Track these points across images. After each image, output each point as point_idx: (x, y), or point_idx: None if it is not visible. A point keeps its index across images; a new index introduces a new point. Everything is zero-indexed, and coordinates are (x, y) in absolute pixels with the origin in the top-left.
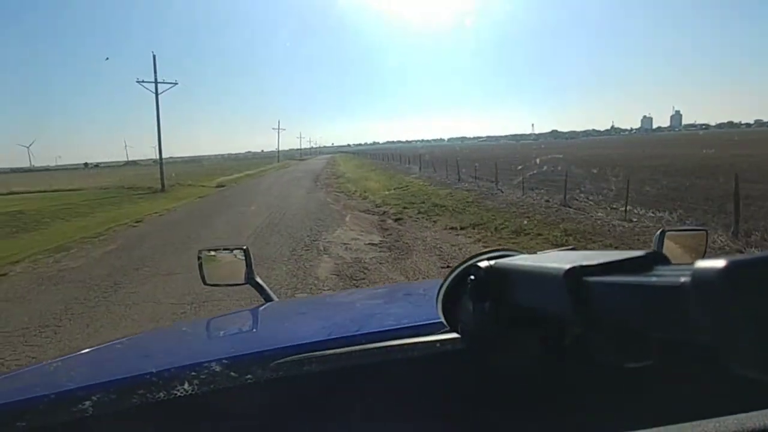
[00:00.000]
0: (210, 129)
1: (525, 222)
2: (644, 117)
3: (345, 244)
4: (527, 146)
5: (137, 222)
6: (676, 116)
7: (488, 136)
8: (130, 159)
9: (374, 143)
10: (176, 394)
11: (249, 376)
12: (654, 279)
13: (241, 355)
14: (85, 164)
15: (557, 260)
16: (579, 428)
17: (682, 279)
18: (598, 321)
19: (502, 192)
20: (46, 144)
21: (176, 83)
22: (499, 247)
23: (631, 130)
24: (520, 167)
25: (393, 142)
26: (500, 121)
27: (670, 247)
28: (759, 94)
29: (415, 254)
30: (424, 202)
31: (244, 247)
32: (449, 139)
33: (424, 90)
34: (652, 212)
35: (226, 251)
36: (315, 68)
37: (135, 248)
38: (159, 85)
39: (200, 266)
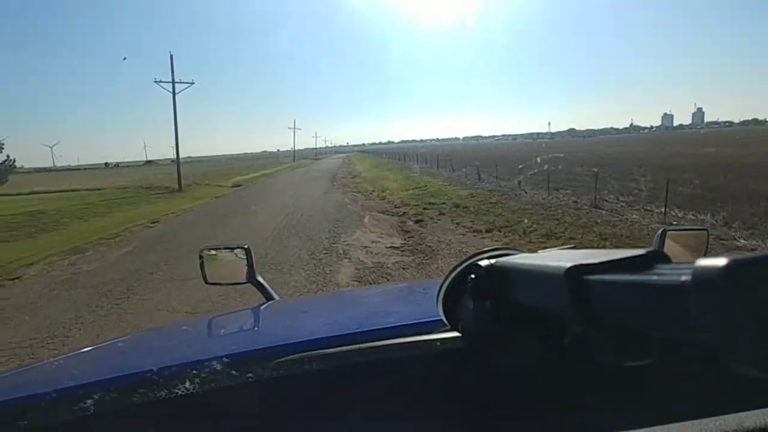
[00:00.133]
0: (227, 129)
1: (554, 225)
2: (665, 114)
3: (365, 247)
4: (543, 145)
5: (153, 222)
6: (698, 113)
7: (504, 135)
8: (149, 159)
9: (389, 142)
10: (177, 392)
11: (250, 374)
12: (655, 278)
13: (242, 354)
14: (106, 164)
15: (558, 259)
16: (579, 428)
17: (683, 278)
18: (598, 320)
19: (526, 192)
20: (67, 145)
21: (193, 83)
22: (500, 246)
23: (651, 127)
24: (541, 167)
25: (407, 141)
26: (516, 120)
27: (671, 247)
28: None
29: (440, 258)
30: (444, 203)
31: (246, 246)
32: (464, 138)
33: (439, 89)
34: (692, 214)
35: (228, 250)
36: (331, 68)
37: (150, 251)
38: (176, 85)
39: (201, 265)
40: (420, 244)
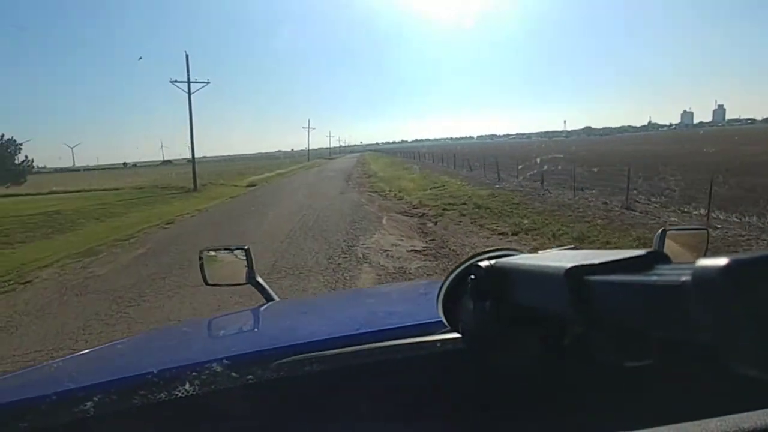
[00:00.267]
0: (241, 129)
1: (586, 227)
2: (684, 112)
3: (385, 250)
4: (559, 143)
5: (168, 224)
6: (719, 111)
7: (518, 134)
8: (166, 159)
9: (402, 141)
10: (177, 394)
11: (250, 376)
12: (655, 278)
13: (242, 355)
14: (124, 164)
15: (558, 259)
16: (579, 428)
17: (683, 278)
18: (599, 320)
19: (550, 192)
20: (87, 145)
21: (208, 82)
22: (500, 247)
23: (671, 125)
24: (555, 166)
25: (421, 140)
26: (531, 118)
27: (671, 247)
28: None
29: None
30: (465, 204)
31: (246, 247)
32: (478, 137)
33: (453, 87)
34: (736, 217)
35: (227, 251)
36: (345, 67)
37: (164, 253)
38: (191, 84)
39: (201, 266)
40: (443, 247)
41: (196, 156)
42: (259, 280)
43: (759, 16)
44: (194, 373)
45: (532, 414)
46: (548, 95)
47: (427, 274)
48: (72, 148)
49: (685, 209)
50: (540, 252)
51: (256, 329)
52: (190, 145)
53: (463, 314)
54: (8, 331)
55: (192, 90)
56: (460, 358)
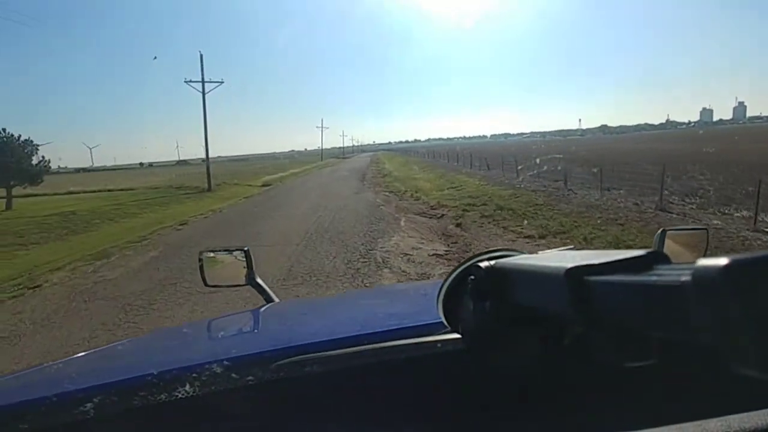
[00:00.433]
0: (255, 128)
1: (619, 231)
2: (703, 109)
3: (406, 254)
4: (574, 142)
5: (182, 225)
6: (740, 108)
7: (532, 132)
8: (182, 158)
9: (415, 141)
10: (177, 395)
11: (250, 377)
12: (655, 278)
13: (242, 357)
14: (141, 164)
15: (558, 260)
16: (579, 428)
17: (683, 278)
18: (599, 320)
19: (575, 192)
20: (105, 146)
21: (222, 82)
22: (500, 247)
23: (689, 123)
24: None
25: (434, 139)
26: (545, 117)
27: (670, 247)
28: None
29: None
30: (486, 204)
31: (245, 249)
32: (492, 136)
33: (466, 86)
34: None
35: (227, 253)
36: (357, 66)
37: (175, 256)
38: (206, 84)
39: (201, 268)
40: (466, 251)
41: (210, 156)
42: (259, 281)
43: None
44: (194, 375)
45: (532, 414)
46: (563, 93)
47: None
48: (91, 149)
49: (725, 211)
50: (540, 252)
51: (256, 330)
52: (204, 145)
53: (463, 315)
54: (11, 341)
55: (206, 90)
56: (460, 358)
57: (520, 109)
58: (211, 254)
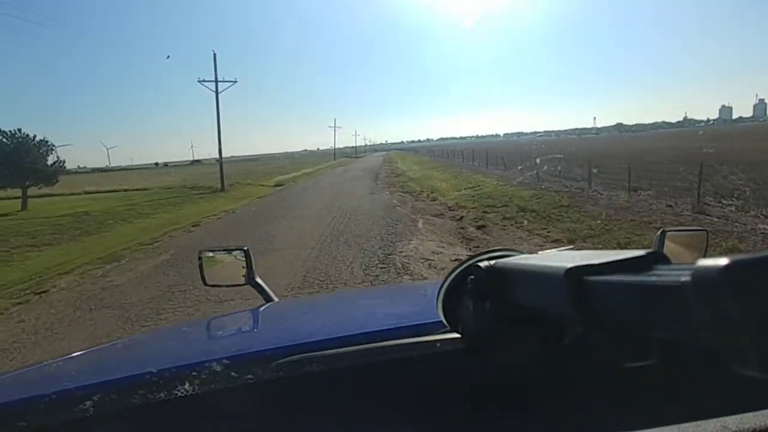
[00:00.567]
0: (267, 128)
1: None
2: (722, 107)
3: (426, 259)
4: (589, 140)
5: (194, 226)
6: (760, 105)
7: (546, 131)
8: (196, 158)
9: (428, 140)
10: (177, 394)
11: (250, 376)
12: (655, 278)
13: (241, 355)
14: (156, 164)
15: (558, 260)
16: (579, 428)
17: (683, 278)
18: (598, 320)
19: (600, 193)
20: (122, 146)
21: (235, 81)
22: (500, 247)
23: (708, 121)
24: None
25: (447, 138)
26: (559, 115)
27: (670, 248)
28: None
29: None
30: (506, 205)
31: (245, 248)
32: (505, 135)
33: (479, 85)
34: None
35: (226, 252)
36: (370, 66)
37: (186, 261)
38: (219, 84)
39: (200, 267)
40: None
41: (223, 155)
42: (258, 280)
43: None
44: (194, 373)
45: (532, 414)
46: (577, 91)
47: None
48: (108, 149)
49: None
50: (540, 252)
51: (255, 329)
52: (217, 145)
53: (463, 314)
54: (9, 354)
55: (219, 89)
56: (460, 358)
57: (533, 107)
58: (211, 254)
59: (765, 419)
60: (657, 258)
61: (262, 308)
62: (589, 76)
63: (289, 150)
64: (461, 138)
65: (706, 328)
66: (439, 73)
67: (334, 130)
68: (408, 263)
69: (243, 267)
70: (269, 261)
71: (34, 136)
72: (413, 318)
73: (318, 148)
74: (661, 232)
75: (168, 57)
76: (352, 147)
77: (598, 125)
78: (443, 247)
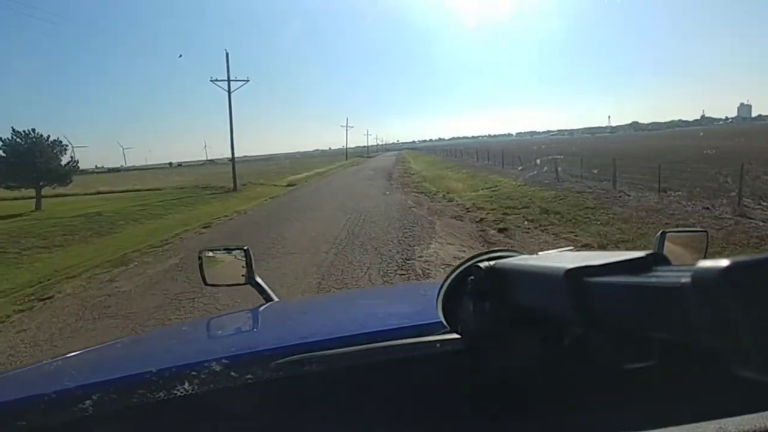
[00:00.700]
0: (279, 128)
1: None
2: (741, 104)
3: (448, 265)
4: (604, 139)
5: (205, 227)
6: None
7: (559, 130)
8: (209, 158)
9: (440, 139)
10: (176, 393)
11: (249, 375)
12: (654, 279)
13: (241, 355)
14: (170, 164)
15: (558, 260)
16: (579, 429)
17: (683, 279)
18: (598, 321)
19: (627, 194)
20: (137, 146)
21: (248, 80)
22: (499, 248)
23: (727, 119)
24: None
25: (459, 137)
26: (573, 114)
27: (670, 249)
28: None
29: None
30: (527, 207)
31: (245, 248)
32: (517, 134)
33: (491, 84)
34: None
35: (226, 252)
36: (381, 65)
37: (196, 265)
38: (231, 83)
39: (200, 267)
40: None
41: (236, 155)
42: (258, 280)
43: None
44: (193, 373)
45: (532, 414)
46: (591, 90)
47: None
48: (124, 149)
49: None
50: (540, 253)
51: (255, 329)
52: (230, 145)
53: (463, 315)
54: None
55: (232, 89)
56: (460, 358)
57: (547, 106)
58: (211, 253)
59: (765, 421)
60: (657, 259)
61: (261, 308)
62: (604, 74)
63: (301, 150)
64: (473, 137)
65: (707, 330)
66: (450, 73)
67: (346, 130)
68: (428, 269)
69: (243, 266)
70: (282, 266)
71: (48, 137)
72: (413, 318)
73: (330, 148)
74: (661, 233)
75: (180, 56)
76: (364, 146)
77: (613, 124)
78: (463, 250)
